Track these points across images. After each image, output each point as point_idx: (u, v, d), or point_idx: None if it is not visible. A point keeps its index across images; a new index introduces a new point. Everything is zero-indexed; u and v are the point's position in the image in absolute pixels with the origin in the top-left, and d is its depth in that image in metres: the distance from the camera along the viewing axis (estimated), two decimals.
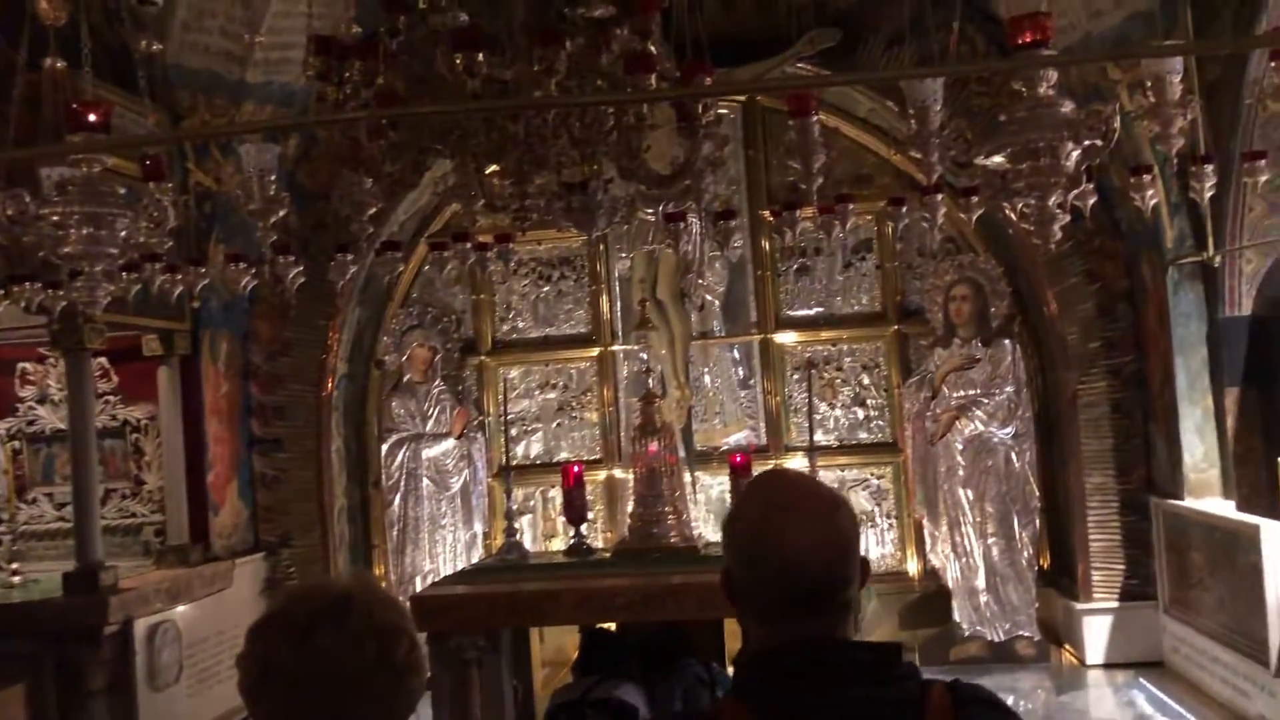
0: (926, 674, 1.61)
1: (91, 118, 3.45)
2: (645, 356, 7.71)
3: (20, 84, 4.48)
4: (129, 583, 6.27)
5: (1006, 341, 7.65)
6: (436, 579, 7.18)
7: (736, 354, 8.41)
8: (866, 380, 8.27)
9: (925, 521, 7.82)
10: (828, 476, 8.00)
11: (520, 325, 8.63)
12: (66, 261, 3.75)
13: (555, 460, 8.37)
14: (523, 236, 4.86)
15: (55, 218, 3.62)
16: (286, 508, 7.96)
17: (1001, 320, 7.76)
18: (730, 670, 4.83)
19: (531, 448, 8.57)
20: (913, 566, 8.10)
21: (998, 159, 3.19)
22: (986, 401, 7.53)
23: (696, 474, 7.96)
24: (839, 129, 7.85)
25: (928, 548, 7.86)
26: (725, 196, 7.96)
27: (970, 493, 7.51)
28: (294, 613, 1.58)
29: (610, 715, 4.72)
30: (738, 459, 5.92)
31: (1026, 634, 7.42)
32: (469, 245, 4.72)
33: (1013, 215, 3.45)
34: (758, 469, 6.07)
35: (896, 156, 7.76)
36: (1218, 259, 6.33)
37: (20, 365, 7.60)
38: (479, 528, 8.29)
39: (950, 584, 7.61)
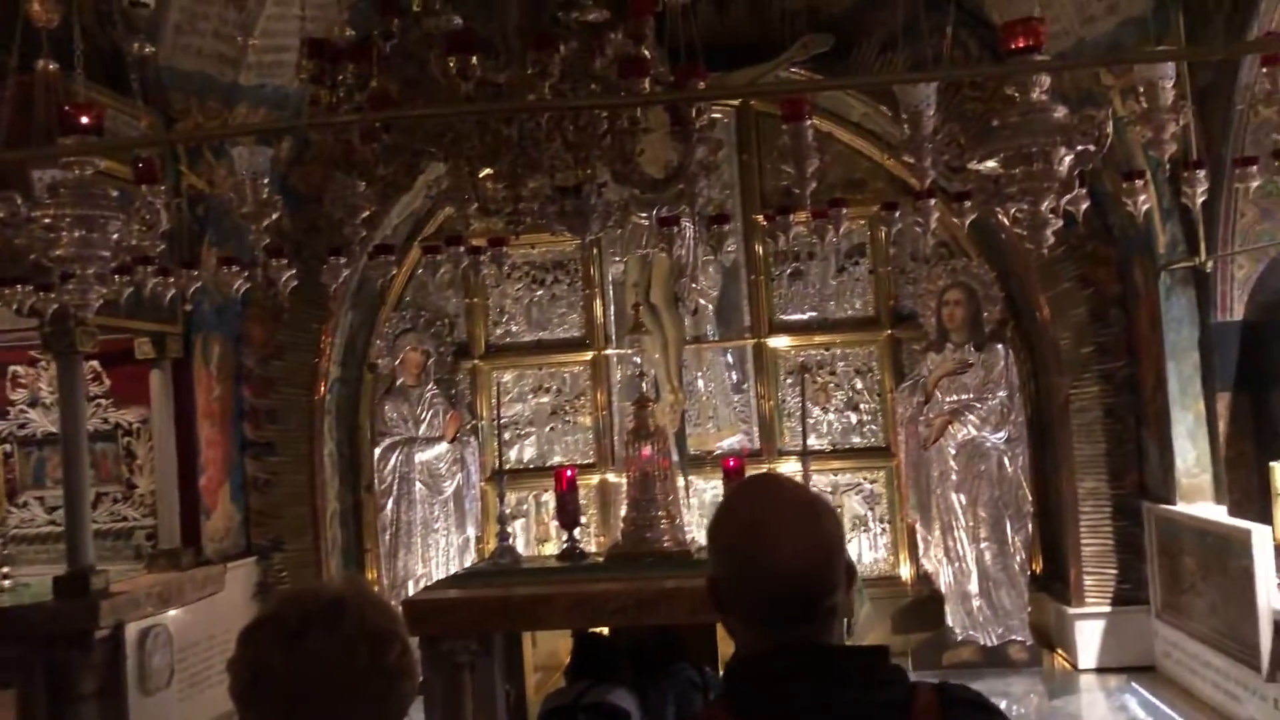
0: (918, 679, 1.61)
1: (84, 120, 3.44)
2: (639, 360, 7.71)
3: (12, 86, 4.46)
4: (120, 587, 6.24)
5: (999, 346, 7.66)
6: (429, 583, 7.17)
7: (730, 358, 8.41)
8: (860, 385, 8.28)
9: (918, 526, 7.82)
10: (821, 481, 8.01)
11: (514, 329, 8.63)
12: (58, 264, 3.74)
13: (548, 464, 8.35)
14: (516, 240, 4.85)
15: (47, 220, 3.60)
16: (279, 512, 7.94)
17: (994, 325, 7.77)
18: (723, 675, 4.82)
19: (525, 452, 8.56)
20: (905, 571, 8.10)
21: (991, 164, 3.19)
22: (979, 406, 7.54)
23: (690, 478, 7.96)
24: (832, 134, 7.87)
25: (920, 552, 7.86)
26: (719, 201, 7.97)
27: (963, 497, 7.52)
28: (285, 617, 1.58)
29: None
30: (731, 463, 5.92)
31: (1019, 638, 7.42)
32: (462, 249, 4.71)
33: (1006, 220, 3.46)
34: (751, 473, 6.07)
35: (890, 161, 7.79)
36: (1210, 264, 6.35)
37: (11, 368, 7.58)
38: (472, 532, 8.27)
39: (943, 588, 7.62)
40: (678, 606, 4.76)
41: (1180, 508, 6.68)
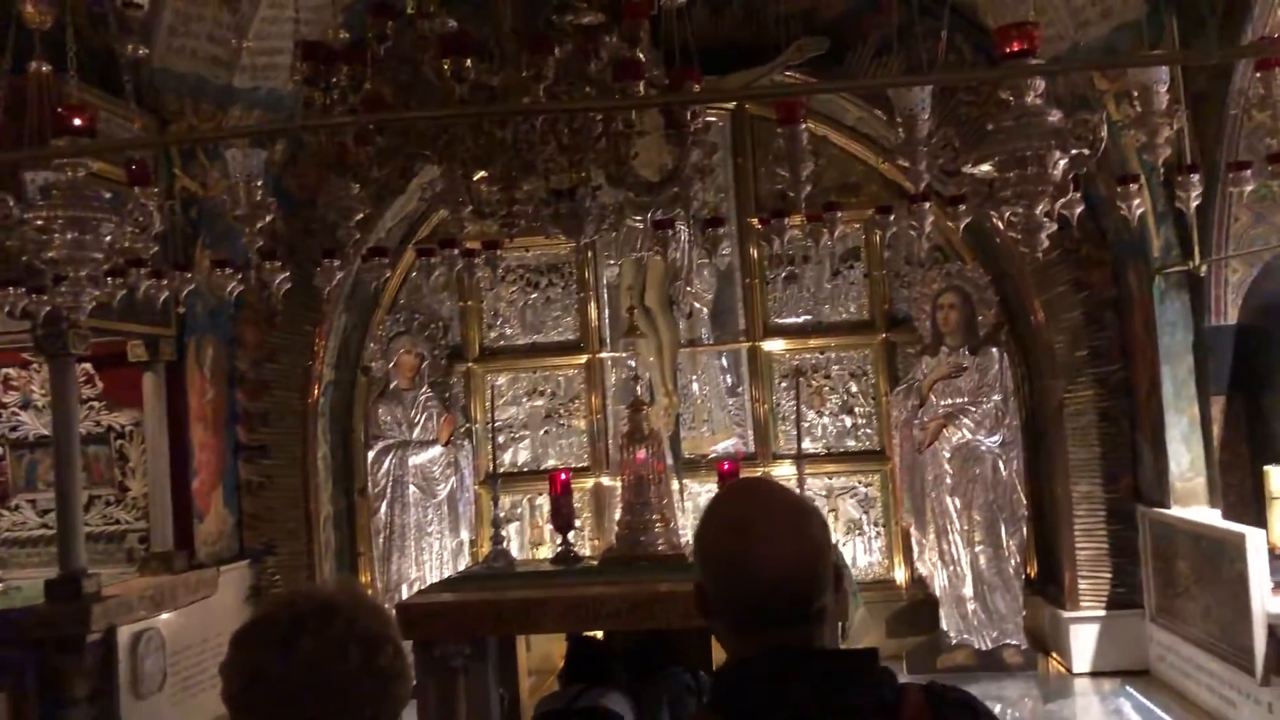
0: (908, 681, 1.61)
1: (77, 122, 3.42)
2: (633, 364, 7.70)
3: (5, 87, 4.45)
4: (112, 590, 6.23)
5: (994, 350, 7.67)
6: (423, 586, 7.15)
7: (725, 361, 8.41)
8: (854, 388, 8.28)
9: (913, 529, 7.83)
10: (815, 484, 8.01)
11: (508, 332, 8.62)
12: (51, 266, 3.73)
13: (543, 468, 8.35)
14: (510, 243, 4.84)
15: (40, 222, 3.59)
16: (272, 515, 7.92)
17: (989, 328, 7.78)
18: None
19: (519, 455, 8.55)
20: (900, 574, 8.10)
21: (985, 167, 3.19)
22: (974, 410, 7.54)
23: (684, 481, 7.96)
24: (827, 137, 7.88)
25: (915, 556, 7.86)
26: (713, 204, 7.98)
27: (958, 501, 7.52)
28: (278, 619, 1.57)
29: None
30: (725, 466, 5.91)
31: (1013, 642, 7.43)
32: (456, 251, 4.70)
33: (1000, 224, 3.46)
34: (745, 476, 6.06)
35: (884, 165, 7.79)
36: (1204, 268, 6.36)
37: (3, 370, 7.56)
38: (465, 535, 8.27)
39: (938, 592, 7.62)
40: (672, 610, 4.75)
41: (1175, 511, 6.69)
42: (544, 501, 8.07)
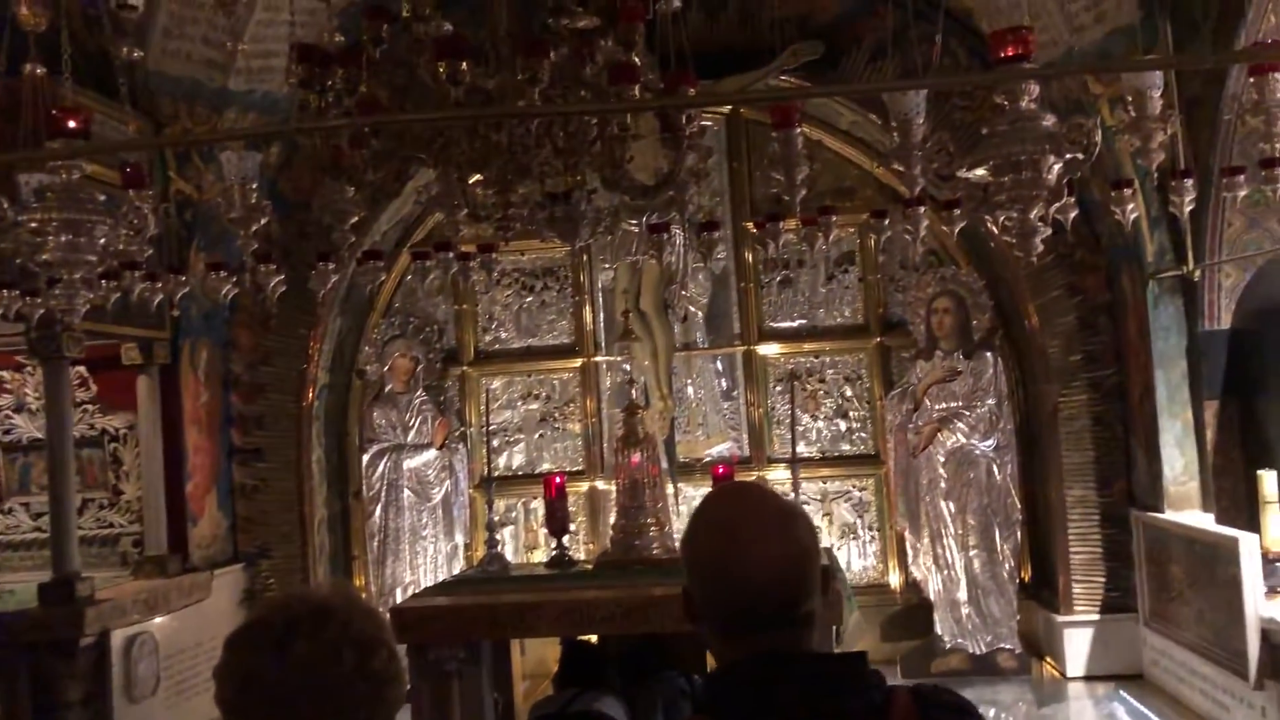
0: (897, 684, 1.61)
1: (71, 124, 3.42)
2: (628, 368, 7.70)
3: None
4: (106, 594, 6.21)
5: (988, 354, 7.68)
6: (417, 590, 7.15)
7: (719, 365, 8.41)
8: (849, 392, 8.29)
9: (907, 534, 7.83)
10: (810, 488, 8.02)
11: (503, 336, 8.62)
12: (45, 269, 3.72)
13: (537, 471, 8.35)
14: (506, 246, 4.85)
15: (34, 224, 3.58)
16: (266, 518, 7.90)
17: (983, 333, 7.79)
18: None
19: (513, 459, 8.55)
20: (894, 579, 8.10)
21: (980, 172, 3.19)
22: (968, 414, 7.55)
23: (679, 485, 7.95)
24: (822, 141, 7.88)
25: (909, 560, 7.86)
26: (709, 208, 7.98)
27: (952, 505, 7.53)
28: (271, 622, 1.57)
29: None
30: (720, 470, 5.92)
31: (1008, 646, 7.43)
32: (452, 255, 4.70)
33: (995, 228, 3.46)
34: (739, 480, 6.07)
35: (879, 169, 7.80)
36: (1197, 273, 6.38)
37: None
38: (460, 539, 8.26)
39: (932, 596, 7.62)
40: (666, 614, 4.75)
41: (1168, 516, 6.70)
42: (539, 505, 8.07)
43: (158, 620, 6.56)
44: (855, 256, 8.28)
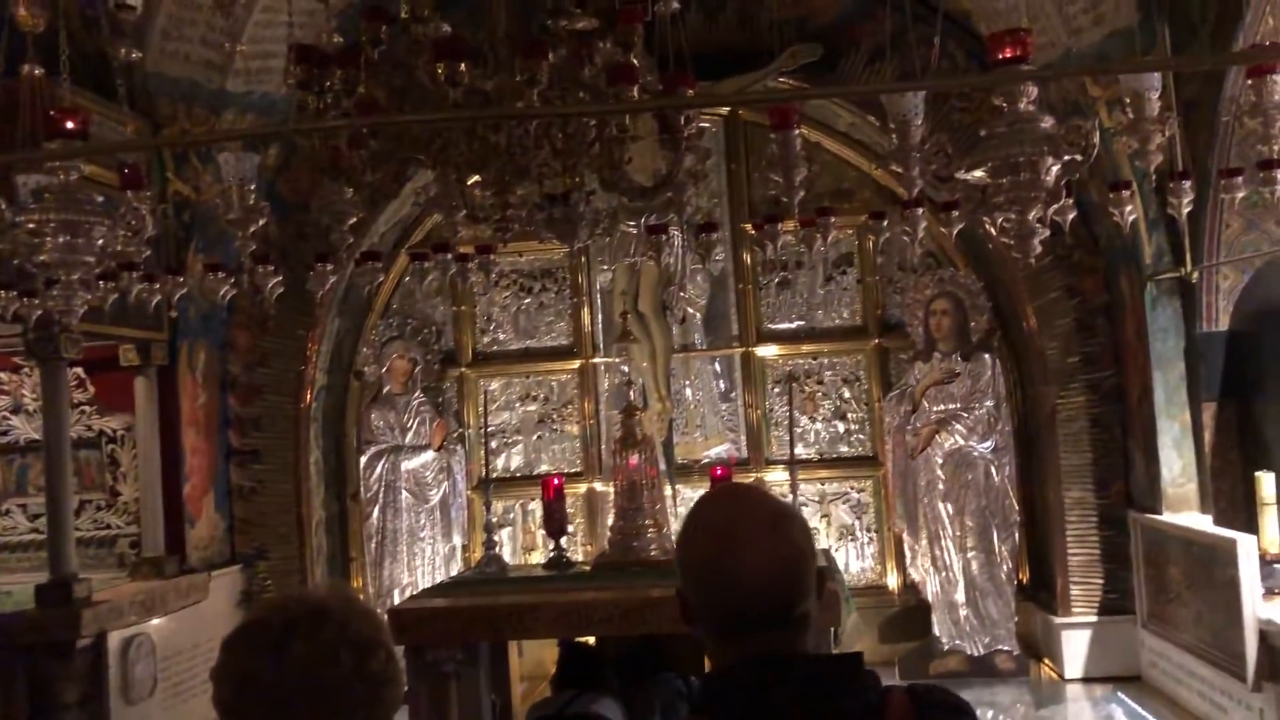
0: (892, 684, 1.61)
1: (69, 125, 3.42)
2: (626, 369, 7.70)
3: None
4: (103, 595, 6.20)
5: (986, 356, 7.68)
6: (415, 592, 7.14)
7: (718, 367, 8.41)
8: (847, 394, 8.29)
9: (905, 535, 7.83)
10: (808, 490, 8.02)
11: (501, 337, 8.62)
12: (42, 270, 3.71)
13: (535, 473, 8.34)
14: (504, 248, 4.84)
15: (31, 225, 3.58)
16: (264, 520, 7.90)
17: (981, 335, 7.79)
18: None
19: (511, 460, 8.54)
20: (893, 580, 8.10)
21: (978, 173, 3.19)
22: (966, 416, 7.55)
23: (677, 487, 7.94)
24: (820, 143, 7.89)
25: (907, 561, 7.86)
26: (707, 209, 7.99)
27: (950, 507, 7.53)
28: (269, 623, 1.57)
29: None
30: (719, 472, 5.92)
31: (1005, 648, 7.43)
32: (450, 256, 4.70)
33: (993, 230, 3.46)
34: (738, 481, 6.07)
35: (877, 171, 7.81)
36: (1195, 274, 6.38)
37: None
38: (458, 540, 8.25)
39: (930, 598, 7.62)
40: (664, 615, 4.75)
41: (1166, 517, 6.70)
42: (536, 507, 8.07)
43: (155, 622, 6.55)
44: (853, 258, 8.29)
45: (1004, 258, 7.34)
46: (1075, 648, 7.30)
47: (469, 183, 3.97)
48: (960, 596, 7.48)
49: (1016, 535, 7.56)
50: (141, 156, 5.65)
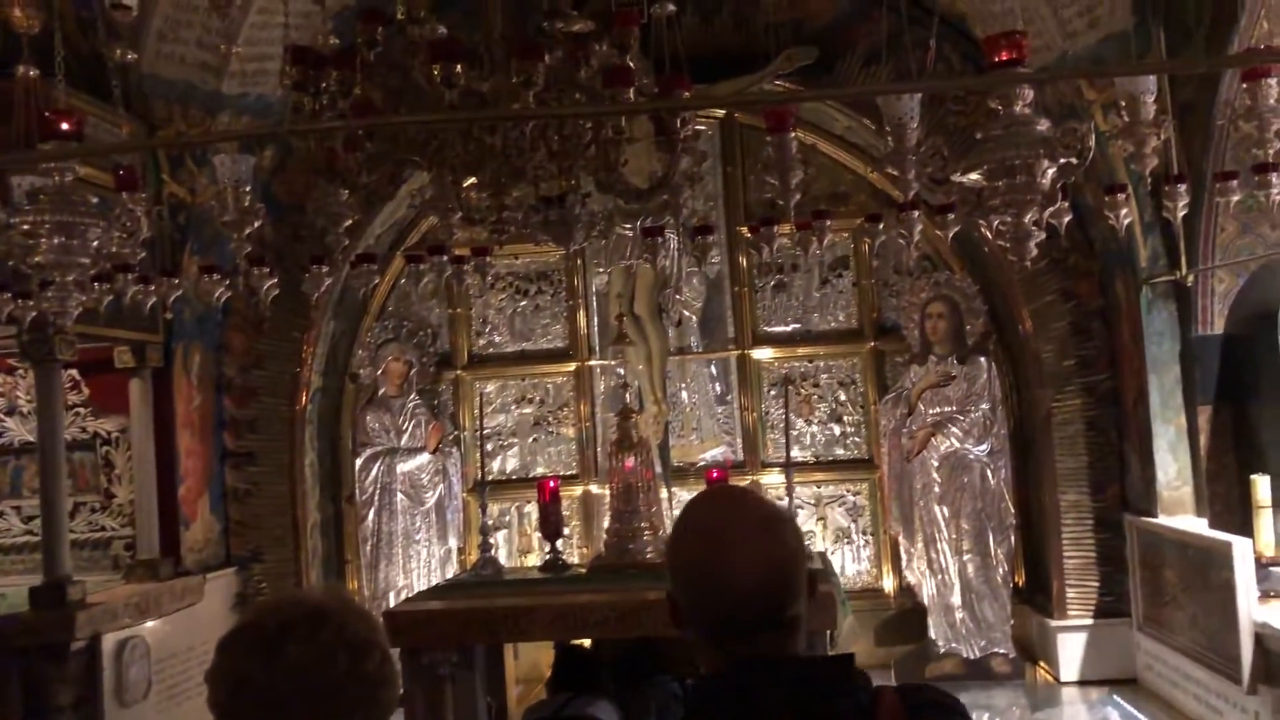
0: (881, 684, 1.61)
1: (64, 126, 3.41)
2: (622, 372, 7.70)
3: None
4: (97, 597, 6.19)
5: (982, 359, 7.69)
6: (410, 594, 7.13)
7: (714, 370, 8.41)
8: (843, 396, 8.29)
9: (901, 538, 7.83)
10: (804, 493, 8.01)
11: (497, 340, 8.61)
12: (37, 271, 3.71)
13: (531, 475, 8.33)
14: (500, 250, 4.84)
15: (26, 226, 3.57)
16: (259, 522, 7.88)
17: (977, 338, 7.79)
18: None
19: (507, 463, 8.54)
20: (888, 583, 8.11)
21: (974, 176, 3.20)
22: (962, 418, 7.56)
23: (673, 489, 7.94)
24: (816, 146, 7.90)
25: (903, 564, 7.86)
26: (703, 212, 7.99)
27: (946, 509, 7.53)
28: (264, 625, 1.56)
29: None
30: (714, 474, 5.92)
31: (1001, 651, 7.43)
32: (445, 258, 4.69)
33: (988, 233, 3.47)
34: (733, 484, 6.07)
35: (873, 174, 7.82)
36: (1191, 278, 6.39)
37: None
38: (454, 543, 8.24)
39: (926, 601, 7.62)
40: (660, 618, 4.70)
41: (1162, 520, 6.70)
42: (532, 509, 8.05)
43: (149, 624, 6.54)
44: (849, 261, 8.29)
45: (1000, 261, 7.35)
46: (1071, 651, 7.31)
47: (465, 185, 3.97)
48: (956, 599, 7.48)
49: (1012, 538, 7.57)
50: (137, 158, 5.63)
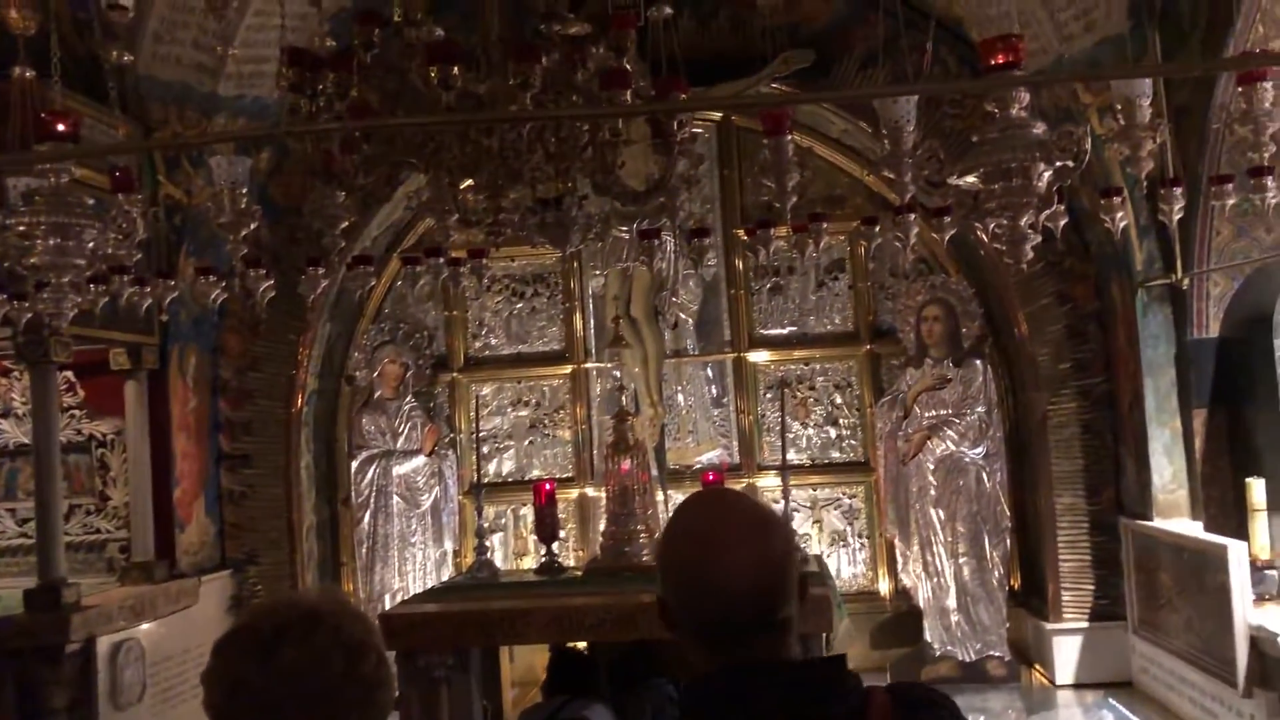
0: (872, 684, 1.61)
1: (60, 127, 3.41)
2: (618, 374, 7.69)
3: None
4: (92, 600, 6.18)
5: (978, 362, 7.70)
6: (406, 597, 7.12)
7: (710, 372, 8.41)
8: (839, 399, 8.29)
9: (897, 541, 7.83)
10: (800, 495, 8.01)
11: (493, 342, 8.60)
12: (32, 272, 3.70)
13: (527, 478, 8.32)
14: (496, 252, 4.84)
15: (21, 228, 3.57)
16: (254, 524, 7.87)
17: (973, 341, 7.80)
18: None
19: (503, 465, 8.53)
20: (884, 586, 8.11)
21: (970, 179, 3.20)
22: (958, 421, 7.56)
23: (669, 492, 7.94)
24: (813, 149, 7.90)
25: (899, 567, 7.86)
26: (699, 215, 8.00)
27: (941, 512, 7.53)
28: (260, 628, 1.56)
29: None
30: (710, 477, 5.92)
31: (997, 654, 7.43)
32: (442, 260, 4.69)
33: (984, 236, 3.47)
34: (728, 487, 6.06)
35: (870, 177, 7.82)
36: (1186, 281, 6.40)
37: None
38: (449, 545, 8.23)
39: (921, 604, 7.62)
40: (655, 621, 4.71)
41: (1157, 523, 6.71)
42: (528, 512, 8.04)
43: (144, 627, 6.52)
44: (845, 264, 8.30)
45: (995, 264, 7.35)
46: (1066, 653, 7.31)
47: (461, 187, 3.97)
48: (952, 602, 7.49)
49: (1008, 541, 7.57)
50: (133, 159, 5.63)
